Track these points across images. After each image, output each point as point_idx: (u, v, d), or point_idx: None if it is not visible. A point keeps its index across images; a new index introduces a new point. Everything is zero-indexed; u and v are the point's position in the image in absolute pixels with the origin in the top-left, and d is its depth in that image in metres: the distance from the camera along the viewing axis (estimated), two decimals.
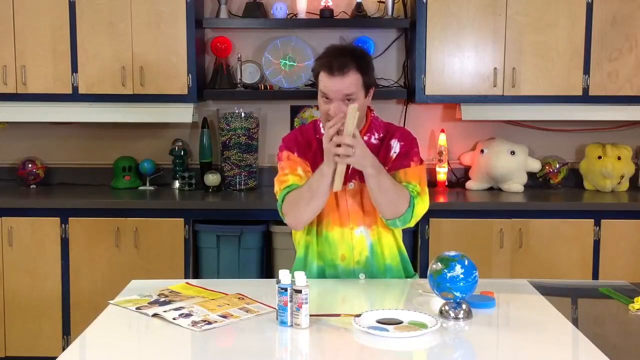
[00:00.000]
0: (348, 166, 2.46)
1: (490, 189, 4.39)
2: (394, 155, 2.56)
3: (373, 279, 2.55)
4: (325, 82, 2.45)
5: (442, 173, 4.40)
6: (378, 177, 2.40)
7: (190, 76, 4.09)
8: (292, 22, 4.29)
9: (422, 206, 2.50)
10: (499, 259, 3.95)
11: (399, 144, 2.58)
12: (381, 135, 2.59)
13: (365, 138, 2.54)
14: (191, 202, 4.07)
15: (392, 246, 2.59)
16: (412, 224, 2.51)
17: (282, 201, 2.53)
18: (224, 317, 2.15)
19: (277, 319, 2.09)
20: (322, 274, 2.57)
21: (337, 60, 2.44)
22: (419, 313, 2.12)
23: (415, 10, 4.11)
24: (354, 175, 2.52)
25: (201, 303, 2.26)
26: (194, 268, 4.00)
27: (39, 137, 4.51)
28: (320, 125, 2.60)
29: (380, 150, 2.56)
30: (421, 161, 2.58)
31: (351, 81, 2.43)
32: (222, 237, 3.96)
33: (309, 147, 2.58)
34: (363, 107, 2.50)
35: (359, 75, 2.45)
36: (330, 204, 2.52)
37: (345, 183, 2.47)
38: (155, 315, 2.17)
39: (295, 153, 2.57)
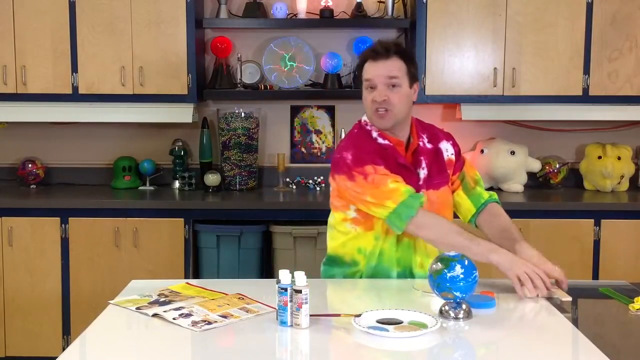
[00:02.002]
0: (418, 175, 2.51)
1: (490, 189, 4.38)
2: (452, 157, 2.61)
3: (372, 279, 2.55)
4: (370, 68, 2.47)
5: None
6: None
7: (190, 76, 4.09)
8: (292, 22, 4.29)
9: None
10: None
11: (449, 144, 2.63)
12: (426, 136, 2.59)
13: (421, 144, 2.55)
14: (191, 202, 4.07)
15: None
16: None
17: (411, 209, 2.38)
18: (224, 317, 2.15)
19: (277, 319, 2.09)
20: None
21: (381, 46, 2.47)
22: (419, 313, 2.12)
23: (415, 10, 4.11)
24: (424, 184, 2.52)
25: (201, 303, 2.26)
26: (194, 268, 4.00)
27: (39, 137, 4.51)
28: (368, 127, 2.54)
29: (434, 156, 2.56)
30: None
31: (395, 65, 2.45)
32: (222, 237, 3.96)
33: (385, 156, 2.49)
34: (408, 99, 2.49)
35: (403, 62, 2.47)
36: None
37: (418, 192, 2.48)
38: (155, 315, 2.17)
39: (382, 166, 2.44)
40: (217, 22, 4.29)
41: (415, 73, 2.52)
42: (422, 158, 2.54)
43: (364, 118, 2.58)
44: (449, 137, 2.65)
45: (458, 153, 2.64)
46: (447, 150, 2.61)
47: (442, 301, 2.17)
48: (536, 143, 4.48)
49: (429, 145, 2.58)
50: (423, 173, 2.53)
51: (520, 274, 2.28)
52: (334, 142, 4.49)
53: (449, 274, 2.10)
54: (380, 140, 2.52)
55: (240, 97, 4.37)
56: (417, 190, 2.48)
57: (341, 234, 2.57)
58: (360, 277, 2.56)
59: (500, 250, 2.34)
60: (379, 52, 2.46)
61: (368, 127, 2.55)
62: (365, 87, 2.50)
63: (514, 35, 4.08)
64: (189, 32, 4.07)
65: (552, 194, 4.28)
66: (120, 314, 2.21)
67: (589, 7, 4.07)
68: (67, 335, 3.98)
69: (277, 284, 2.08)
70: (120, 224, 3.95)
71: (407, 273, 2.55)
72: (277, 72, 4.35)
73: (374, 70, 2.46)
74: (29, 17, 4.06)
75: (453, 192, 2.64)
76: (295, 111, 4.48)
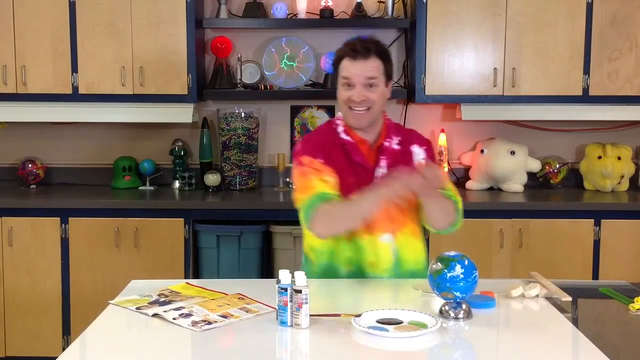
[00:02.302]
0: (373, 174, 2.49)
1: (490, 189, 4.39)
2: (423, 162, 2.56)
3: (373, 279, 2.55)
4: (348, 66, 2.47)
5: None
6: (439, 200, 2.41)
7: (190, 76, 4.09)
8: (292, 22, 4.29)
9: (461, 206, 2.56)
10: (499, 259, 3.95)
11: (421, 149, 2.59)
12: (399, 139, 2.58)
13: (387, 143, 2.54)
14: (191, 202, 4.07)
15: (418, 252, 2.60)
16: (458, 226, 2.57)
17: (312, 209, 2.39)
18: (224, 317, 2.15)
19: (277, 319, 2.09)
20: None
21: (360, 45, 2.47)
22: (419, 313, 2.12)
23: (415, 10, 4.11)
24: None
25: (201, 303, 2.26)
26: (194, 268, 4.00)
27: (39, 137, 4.51)
28: (337, 122, 2.57)
29: (399, 157, 2.55)
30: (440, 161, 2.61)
31: (374, 65, 2.46)
32: (222, 237, 3.96)
33: (330, 151, 2.51)
34: (383, 98, 2.51)
35: (381, 62, 2.48)
36: None
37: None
38: (155, 315, 2.17)
39: (321, 160, 2.48)
40: (217, 22, 4.29)
41: (391, 72, 2.54)
42: (382, 157, 2.53)
43: (339, 113, 2.59)
44: (423, 143, 2.62)
45: (430, 159, 2.60)
46: (418, 154, 2.58)
47: (442, 301, 2.17)
48: (536, 143, 4.48)
49: (396, 147, 2.56)
50: (380, 172, 2.51)
51: (410, 184, 2.28)
52: None
53: (449, 274, 2.10)
54: (343, 135, 2.54)
55: (240, 97, 4.37)
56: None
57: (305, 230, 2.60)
58: (314, 275, 2.55)
59: (379, 185, 2.36)
60: (358, 51, 2.46)
61: (337, 122, 2.58)
62: (342, 83, 2.50)
63: (514, 35, 4.08)
64: (189, 32, 4.07)
65: (552, 194, 4.28)
66: (120, 314, 2.21)
67: (589, 7, 4.07)
68: (67, 335, 3.98)
69: (277, 284, 2.08)
70: (120, 224, 3.95)
71: (359, 273, 2.54)
72: (277, 72, 4.35)
73: (353, 70, 2.46)
74: (29, 17, 4.06)
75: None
76: (295, 111, 4.48)
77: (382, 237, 2.52)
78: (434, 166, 2.39)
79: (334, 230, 2.44)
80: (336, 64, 2.54)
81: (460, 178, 4.49)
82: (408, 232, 2.56)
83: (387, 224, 2.52)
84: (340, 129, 2.55)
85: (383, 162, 2.52)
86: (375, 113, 2.50)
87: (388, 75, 2.52)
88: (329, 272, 2.56)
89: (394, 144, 2.56)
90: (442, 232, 2.57)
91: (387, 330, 2.02)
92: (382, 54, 2.50)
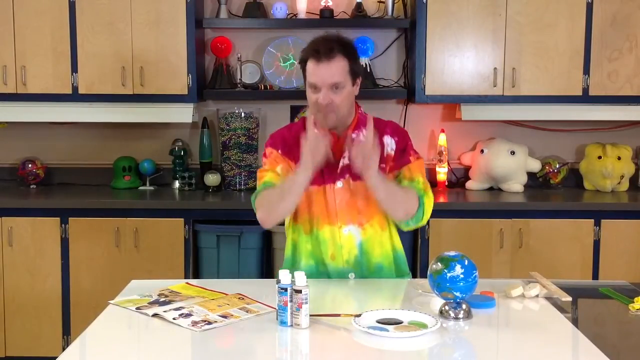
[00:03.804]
0: (337, 165, 2.48)
1: (490, 189, 4.39)
2: (392, 153, 2.53)
3: (371, 279, 2.54)
4: (313, 69, 2.44)
5: (442, 173, 4.40)
6: (384, 183, 2.39)
7: (190, 76, 4.09)
8: (292, 22, 4.29)
9: (430, 202, 2.50)
10: (499, 259, 3.95)
11: (393, 139, 2.55)
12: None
13: (354, 135, 2.50)
14: (191, 202, 4.07)
15: (385, 245, 2.57)
16: (424, 221, 2.51)
17: (256, 196, 2.51)
18: (224, 317, 2.15)
19: (277, 319, 2.09)
20: (312, 273, 2.51)
21: (323, 46, 2.44)
22: (419, 313, 2.12)
23: (415, 10, 4.11)
24: (343, 174, 2.50)
25: (201, 303, 2.26)
26: (194, 268, 4.00)
27: (39, 137, 4.51)
28: (311, 115, 2.55)
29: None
30: (418, 154, 2.57)
31: (338, 67, 2.43)
32: (222, 237, 3.96)
33: (296, 144, 2.49)
34: (350, 97, 2.49)
35: (346, 61, 2.45)
36: (319, 203, 2.51)
37: (333, 182, 2.49)
38: (155, 315, 2.17)
39: (280, 151, 2.54)
40: (217, 22, 4.29)
41: (357, 69, 2.50)
42: (346, 147, 2.48)
43: None
44: (396, 134, 2.57)
45: (401, 150, 2.55)
46: (388, 144, 2.55)
47: (442, 301, 2.17)
48: (536, 143, 4.48)
49: (364, 138, 2.49)
50: (343, 162, 2.50)
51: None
52: None
53: (449, 274, 2.10)
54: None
55: (240, 97, 4.37)
56: (335, 179, 2.49)
57: None
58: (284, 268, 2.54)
59: (298, 167, 2.40)
60: (321, 52, 2.43)
61: (311, 115, 2.54)
62: (308, 86, 2.48)
63: (514, 35, 4.08)
64: (189, 32, 4.07)
65: (552, 194, 4.28)
66: (120, 314, 2.21)
67: (589, 7, 4.07)
68: (67, 335, 3.98)
69: (277, 284, 2.08)
70: (120, 224, 3.95)
71: (320, 265, 2.54)
72: (277, 72, 4.35)
73: (317, 75, 2.43)
74: (29, 17, 4.06)
75: None
76: (295, 111, 4.47)
77: (345, 228, 2.50)
78: (364, 145, 2.33)
79: (271, 215, 2.46)
80: (302, 64, 2.51)
81: (460, 178, 4.49)
82: (376, 224, 2.53)
83: (353, 215, 2.50)
84: (312, 121, 2.50)
85: (346, 153, 2.49)
86: (342, 113, 2.48)
87: (354, 74, 2.48)
88: (291, 266, 2.57)
89: (362, 135, 2.49)
90: (403, 226, 2.52)
91: (387, 330, 2.02)
92: (346, 51, 2.46)
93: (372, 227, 2.53)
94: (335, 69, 2.43)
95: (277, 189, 2.45)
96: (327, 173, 2.49)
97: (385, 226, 2.56)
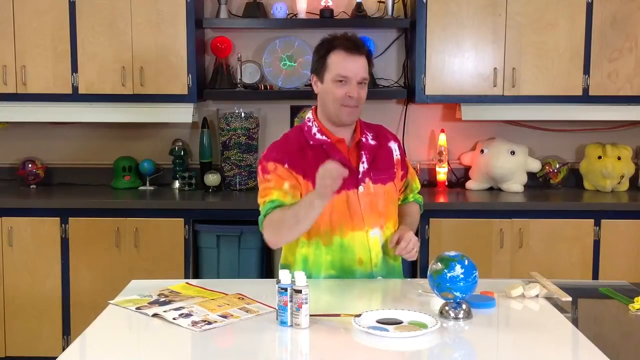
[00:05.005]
0: (357, 170, 2.48)
1: (490, 189, 4.39)
2: (399, 157, 2.61)
3: (372, 279, 2.54)
4: (344, 61, 2.43)
5: (442, 173, 4.40)
6: (414, 226, 2.61)
7: (190, 76, 4.09)
8: (292, 22, 4.29)
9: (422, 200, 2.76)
10: (499, 259, 3.95)
11: (395, 144, 2.63)
12: (371, 134, 2.59)
13: (364, 139, 2.54)
14: (191, 202, 4.07)
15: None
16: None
17: (264, 216, 2.44)
18: (224, 317, 2.15)
19: (277, 319, 2.09)
20: (334, 282, 2.50)
21: (352, 40, 2.46)
22: (419, 313, 2.12)
23: (415, 10, 4.11)
24: (363, 178, 2.50)
25: (201, 303, 2.26)
26: (194, 268, 4.00)
27: (39, 137, 4.51)
28: (309, 124, 2.53)
29: (378, 152, 2.55)
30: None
31: (365, 63, 2.47)
32: (222, 237, 3.96)
33: (301, 156, 2.47)
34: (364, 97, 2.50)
35: (367, 61, 2.49)
36: (341, 210, 2.46)
37: (356, 187, 2.47)
38: (155, 315, 2.17)
39: (286, 165, 2.45)
40: (217, 22, 4.29)
41: (371, 74, 2.61)
42: (363, 152, 2.52)
43: (309, 115, 2.55)
44: (396, 139, 2.65)
45: (403, 155, 2.65)
46: (395, 150, 2.61)
47: (442, 301, 2.17)
48: (536, 143, 4.48)
49: (372, 142, 2.55)
50: (363, 167, 2.51)
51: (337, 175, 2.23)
52: None
53: (449, 274, 2.10)
54: (318, 136, 2.50)
55: (240, 97, 4.37)
56: (357, 184, 2.46)
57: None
58: None
59: (313, 193, 2.32)
60: (352, 47, 2.44)
61: (308, 124, 2.53)
62: (334, 79, 2.43)
63: (514, 35, 4.08)
64: (189, 32, 4.07)
65: (552, 194, 4.28)
66: (120, 314, 2.21)
67: (589, 7, 4.07)
68: (67, 335, 3.98)
69: (277, 284, 2.08)
70: (120, 224, 3.95)
71: (343, 272, 2.51)
72: (277, 72, 4.35)
73: (348, 68, 2.43)
74: (29, 17, 4.06)
75: (399, 191, 2.66)
76: (295, 111, 4.47)
77: (372, 232, 2.50)
78: (416, 243, 2.46)
79: (281, 237, 2.44)
80: (322, 58, 2.46)
81: (460, 178, 4.49)
82: (391, 225, 2.56)
83: (375, 217, 2.51)
84: (315, 129, 2.51)
85: (364, 158, 2.51)
86: (361, 111, 2.51)
87: (370, 76, 2.55)
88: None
89: (369, 139, 2.56)
90: None
91: (387, 330, 2.02)
92: (369, 55, 2.51)
93: (389, 229, 2.55)
94: (363, 65, 2.46)
95: (290, 214, 2.36)
96: (348, 180, 2.40)
97: (396, 226, 2.58)
